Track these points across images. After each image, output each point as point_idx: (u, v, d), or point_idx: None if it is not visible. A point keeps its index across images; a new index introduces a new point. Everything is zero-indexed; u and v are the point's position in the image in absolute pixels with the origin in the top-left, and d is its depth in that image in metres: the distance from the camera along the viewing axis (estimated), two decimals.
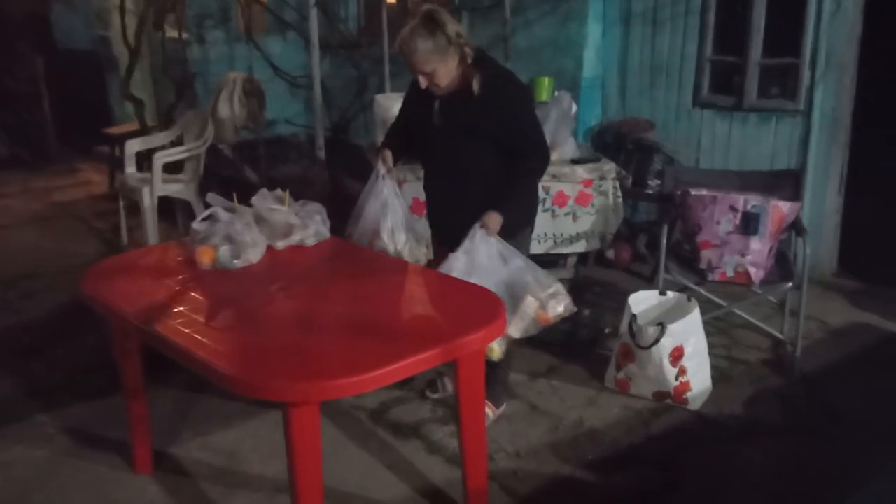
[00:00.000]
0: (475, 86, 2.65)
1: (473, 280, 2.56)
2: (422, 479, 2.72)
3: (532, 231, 3.05)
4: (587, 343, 3.72)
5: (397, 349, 2.01)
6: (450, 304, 2.37)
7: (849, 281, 4.42)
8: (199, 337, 2.10)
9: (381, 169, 2.89)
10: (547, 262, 3.94)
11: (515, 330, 2.66)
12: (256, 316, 2.32)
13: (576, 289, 4.19)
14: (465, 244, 2.62)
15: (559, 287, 2.71)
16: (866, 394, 3.22)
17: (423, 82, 2.68)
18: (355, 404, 3.16)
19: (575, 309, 2.75)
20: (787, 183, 3.54)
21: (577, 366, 3.52)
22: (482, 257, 2.61)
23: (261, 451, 2.87)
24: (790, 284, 3.32)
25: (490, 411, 3.05)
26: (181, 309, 2.28)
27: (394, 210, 2.87)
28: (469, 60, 2.65)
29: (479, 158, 2.73)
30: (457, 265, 2.61)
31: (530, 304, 2.64)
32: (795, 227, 3.40)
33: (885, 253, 4.32)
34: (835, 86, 4.22)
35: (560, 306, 2.69)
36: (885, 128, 4.27)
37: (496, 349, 2.67)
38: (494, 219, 2.65)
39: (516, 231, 2.91)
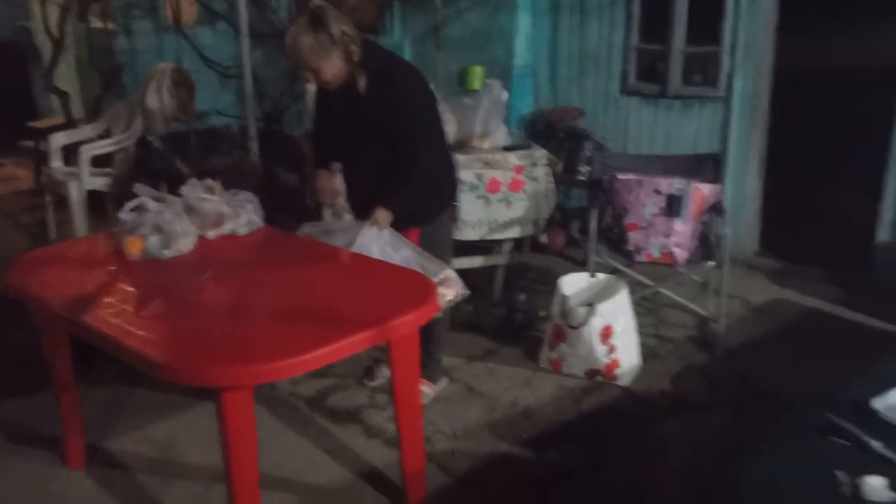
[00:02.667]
0: (360, 84, 2.67)
1: None
2: (360, 462, 2.76)
3: (454, 214, 3.08)
4: (522, 326, 3.81)
5: (330, 332, 2.02)
6: (382, 288, 2.40)
7: (770, 260, 4.60)
8: (128, 326, 2.08)
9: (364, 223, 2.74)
10: (482, 248, 4.02)
11: None
12: (187, 304, 2.31)
13: (511, 274, 4.28)
14: (358, 240, 2.68)
15: (449, 273, 2.77)
16: (786, 367, 3.37)
17: (307, 78, 2.69)
18: (293, 392, 3.17)
19: (468, 292, 2.81)
20: (708, 166, 3.67)
21: (512, 348, 3.59)
22: (374, 251, 2.68)
23: (198, 441, 2.86)
24: (713, 263, 3.46)
25: (428, 389, 3.11)
26: (110, 299, 2.26)
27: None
28: (355, 59, 2.64)
29: (380, 152, 2.75)
30: None
31: None
32: (716, 208, 3.54)
33: (804, 233, 4.52)
34: (753, 73, 4.38)
35: (449, 293, 2.74)
36: (801, 113, 4.45)
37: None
38: (383, 216, 2.73)
39: (433, 216, 2.96)
